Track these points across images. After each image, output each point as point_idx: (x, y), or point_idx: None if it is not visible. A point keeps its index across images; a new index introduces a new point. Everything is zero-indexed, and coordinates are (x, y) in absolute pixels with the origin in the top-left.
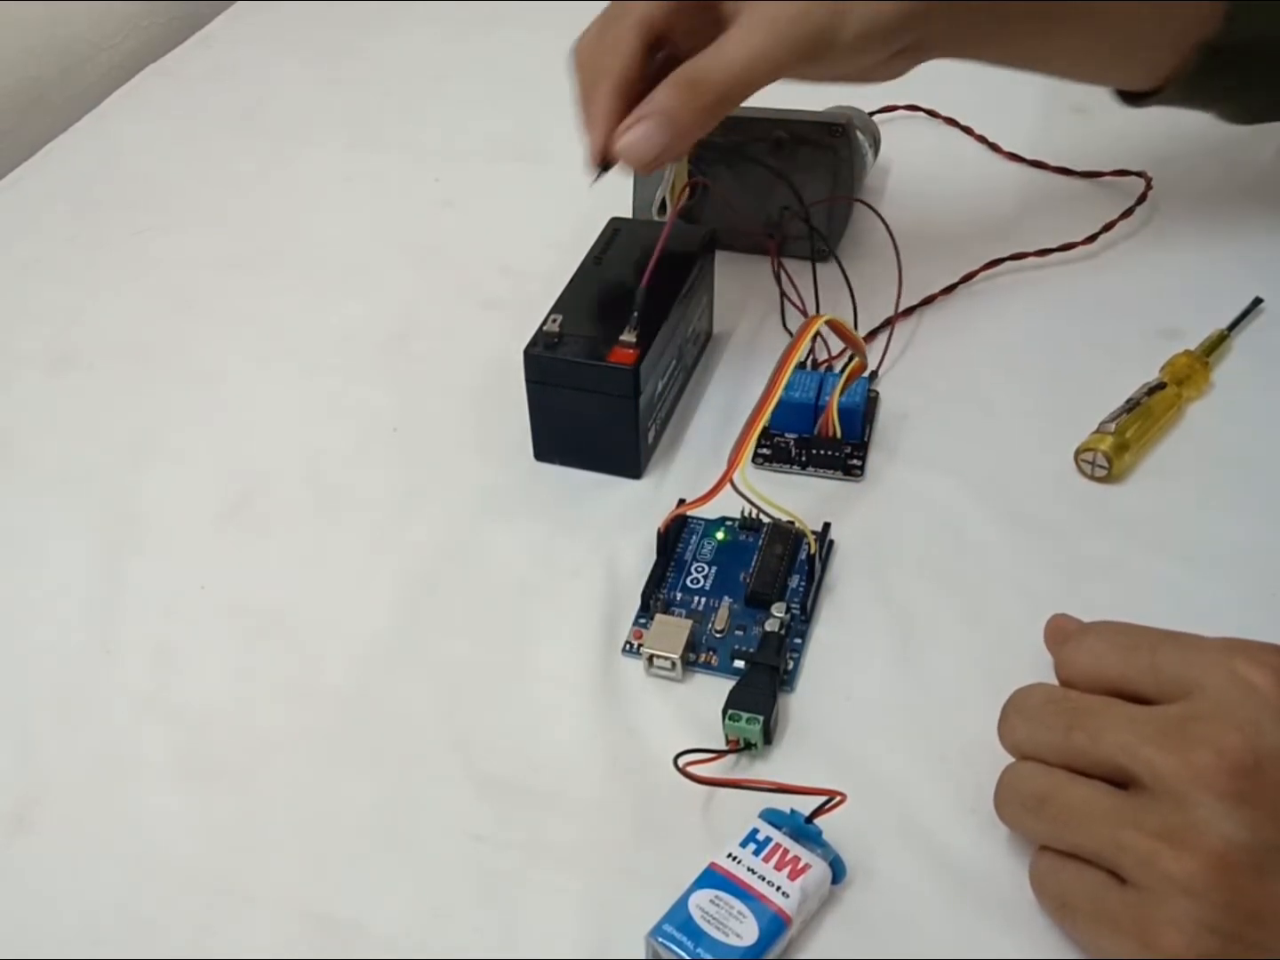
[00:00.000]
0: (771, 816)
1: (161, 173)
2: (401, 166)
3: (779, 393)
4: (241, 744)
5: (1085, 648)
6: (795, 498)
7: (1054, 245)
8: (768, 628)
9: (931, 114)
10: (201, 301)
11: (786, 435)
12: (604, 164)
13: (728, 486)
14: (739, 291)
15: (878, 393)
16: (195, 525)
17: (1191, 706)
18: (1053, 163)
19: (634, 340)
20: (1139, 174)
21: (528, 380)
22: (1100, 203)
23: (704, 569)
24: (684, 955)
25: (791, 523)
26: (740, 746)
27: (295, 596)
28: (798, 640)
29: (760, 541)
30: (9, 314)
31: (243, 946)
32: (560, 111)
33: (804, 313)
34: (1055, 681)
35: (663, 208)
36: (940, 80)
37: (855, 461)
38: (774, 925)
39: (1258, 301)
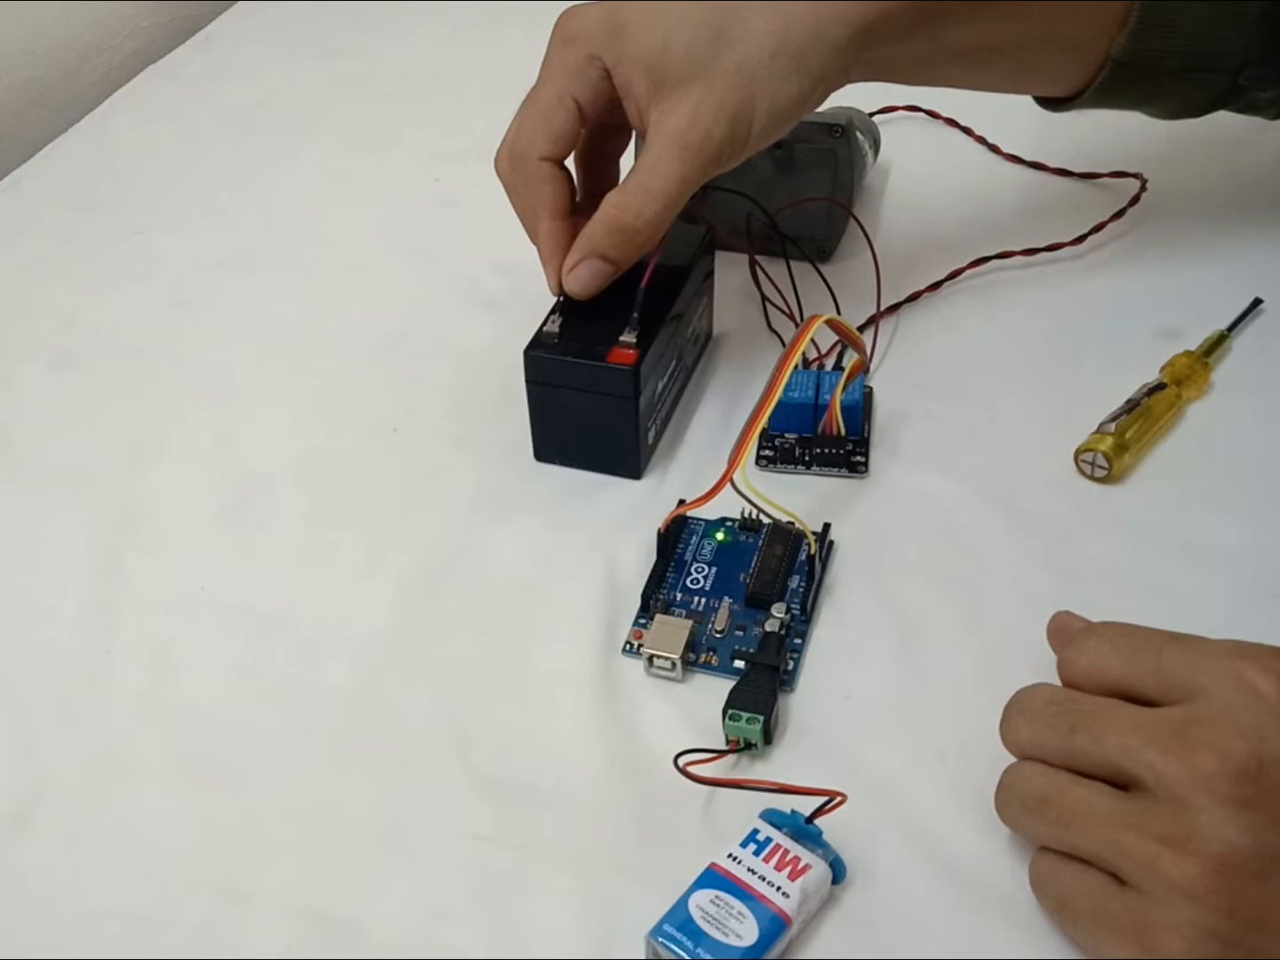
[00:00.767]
0: (772, 817)
1: (161, 173)
2: (401, 166)
3: (779, 393)
4: (241, 743)
5: (1088, 648)
6: (795, 498)
7: (1048, 246)
8: (768, 628)
9: (931, 114)
10: (201, 301)
11: (787, 435)
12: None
13: (727, 487)
14: (739, 291)
15: (871, 388)
16: (195, 525)
17: (1195, 710)
18: (1052, 164)
19: (634, 340)
20: (1135, 175)
21: (528, 380)
22: (1098, 204)
23: (704, 569)
24: (684, 955)
25: (791, 523)
26: (740, 746)
27: (295, 596)
28: (798, 640)
29: (760, 542)
30: (9, 314)
31: (243, 946)
32: None
33: (789, 315)
34: (1056, 681)
35: None
36: None
37: (859, 458)
38: (774, 925)
39: (1257, 302)
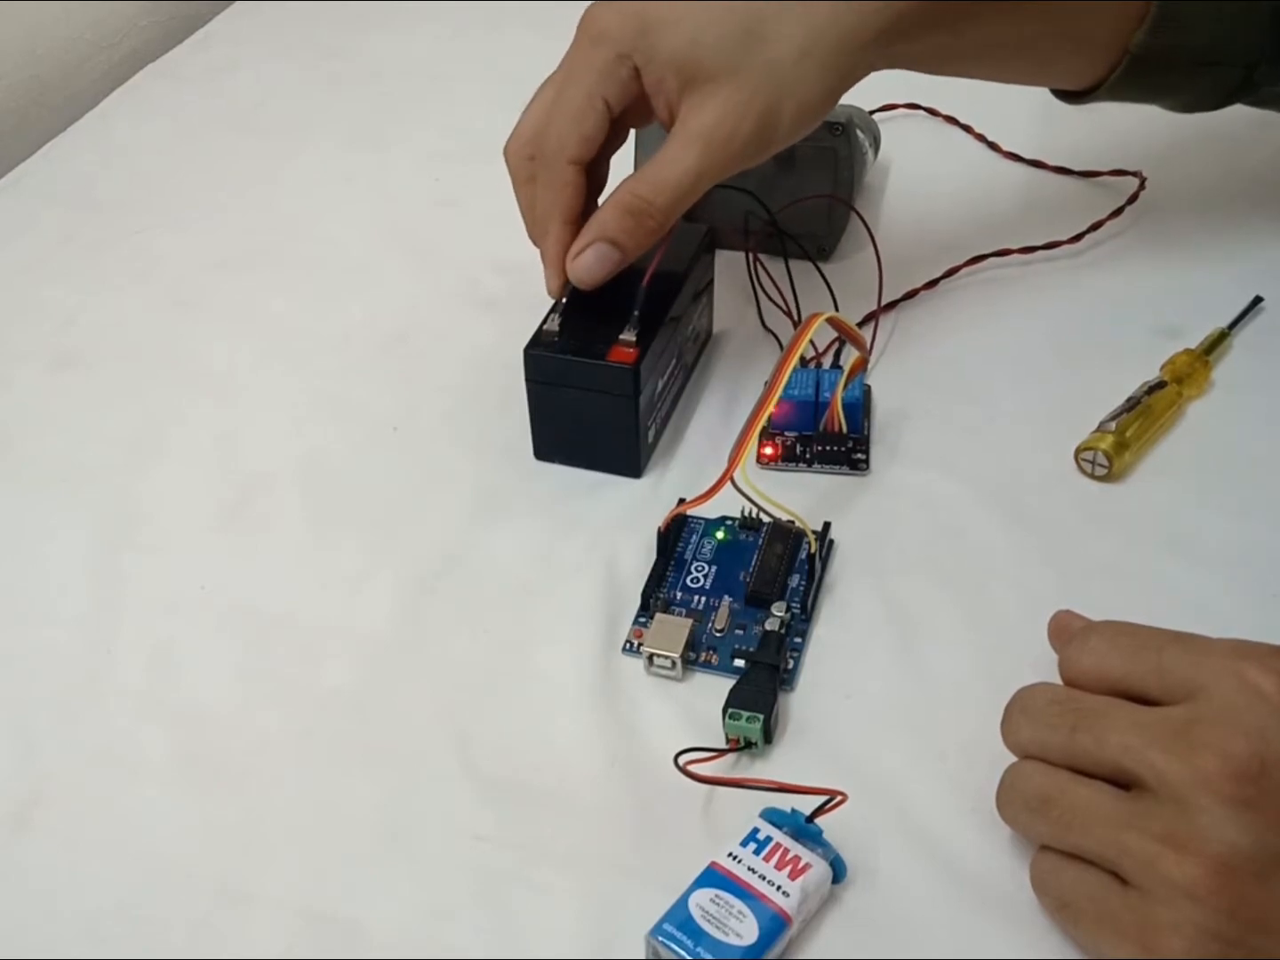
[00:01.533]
0: (772, 816)
1: (161, 173)
2: (401, 166)
3: (779, 391)
4: (241, 744)
5: (1090, 647)
6: (795, 496)
7: (1048, 243)
8: (768, 627)
9: (932, 113)
10: (201, 301)
11: (788, 434)
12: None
13: (727, 485)
14: (739, 291)
15: (870, 386)
16: (195, 525)
17: (1197, 710)
18: (1052, 162)
19: (634, 339)
20: (1135, 173)
21: (528, 380)
22: (1098, 201)
23: (704, 568)
24: (684, 955)
25: (791, 522)
26: (740, 745)
27: (295, 596)
28: (798, 639)
29: (760, 541)
30: (9, 314)
31: (243, 946)
32: None
33: (787, 314)
34: (1057, 680)
35: None
36: (941, 79)
37: (860, 455)
38: (774, 925)
39: (1258, 300)
